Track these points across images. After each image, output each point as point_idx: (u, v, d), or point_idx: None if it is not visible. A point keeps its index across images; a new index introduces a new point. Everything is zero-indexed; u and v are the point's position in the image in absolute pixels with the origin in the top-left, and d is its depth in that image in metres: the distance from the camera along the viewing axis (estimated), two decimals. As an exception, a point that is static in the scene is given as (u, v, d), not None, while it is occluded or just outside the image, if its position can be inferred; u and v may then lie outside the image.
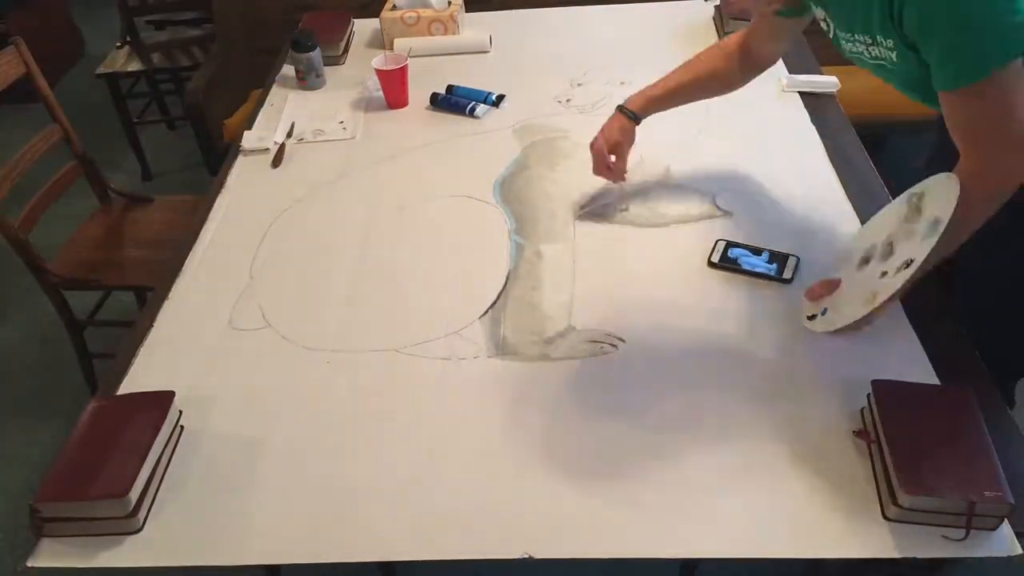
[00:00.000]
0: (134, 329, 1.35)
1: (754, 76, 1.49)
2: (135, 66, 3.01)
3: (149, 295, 1.44)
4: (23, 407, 2.27)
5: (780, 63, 1.94)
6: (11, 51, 1.93)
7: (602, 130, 1.50)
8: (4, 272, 2.74)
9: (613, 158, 1.48)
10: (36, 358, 2.41)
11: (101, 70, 2.95)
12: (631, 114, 1.49)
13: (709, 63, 1.48)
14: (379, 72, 1.87)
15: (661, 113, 1.77)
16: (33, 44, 1.96)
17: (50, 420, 2.22)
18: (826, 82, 1.84)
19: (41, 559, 1.01)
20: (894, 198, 1.47)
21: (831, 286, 1.24)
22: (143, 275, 1.99)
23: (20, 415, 2.25)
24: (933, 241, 1.05)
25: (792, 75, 1.87)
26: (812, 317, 1.24)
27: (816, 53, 2.01)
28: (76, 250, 2.09)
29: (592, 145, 1.49)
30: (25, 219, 1.90)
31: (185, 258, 1.49)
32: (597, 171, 1.50)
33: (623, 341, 1.24)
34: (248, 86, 2.66)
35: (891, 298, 1.11)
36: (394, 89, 1.90)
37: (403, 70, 1.88)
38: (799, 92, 1.82)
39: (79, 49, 4.15)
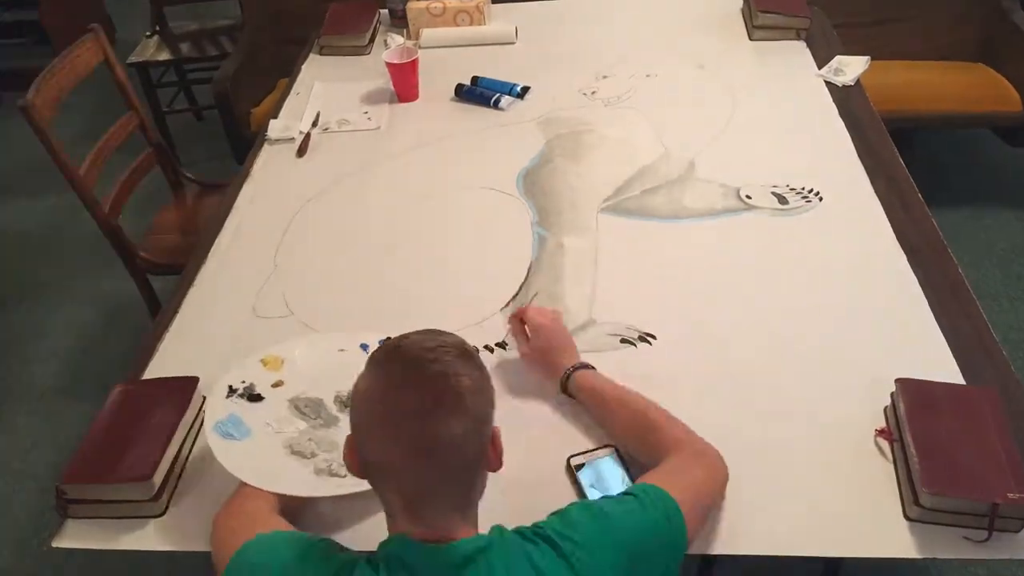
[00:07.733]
0: (160, 315, 1.36)
1: None
2: (164, 55, 3.04)
3: (175, 282, 1.45)
4: (52, 391, 2.31)
5: (809, 57, 1.91)
6: (90, 39, 1.90)
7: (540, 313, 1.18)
8: (26, 261, 2.79)
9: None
10: (65, 344, 2.45)
11: (132, 59, 2.98)
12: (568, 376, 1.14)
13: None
14: (389, 65, 1.87)
15: (685, 106, 1.77)
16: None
17: (78, 404, 2.25)
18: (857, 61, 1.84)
19: (66, 540, 1.03)
20: (921, 195, 1.46)
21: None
22: None
23: (48, 399, 2.28)
24: None
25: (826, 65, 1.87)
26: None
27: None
28: (159, 236, 2.10)
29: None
30: (112, 207, 1.91)
31: (211, 246, 1.50)
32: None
33: (655, 337, 1.23)
34: (275, 75, 2.67)
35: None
36: (404, 82, 1.88)
37: (413, 63, 1.86)
38: (827, 84, 1.79)
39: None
